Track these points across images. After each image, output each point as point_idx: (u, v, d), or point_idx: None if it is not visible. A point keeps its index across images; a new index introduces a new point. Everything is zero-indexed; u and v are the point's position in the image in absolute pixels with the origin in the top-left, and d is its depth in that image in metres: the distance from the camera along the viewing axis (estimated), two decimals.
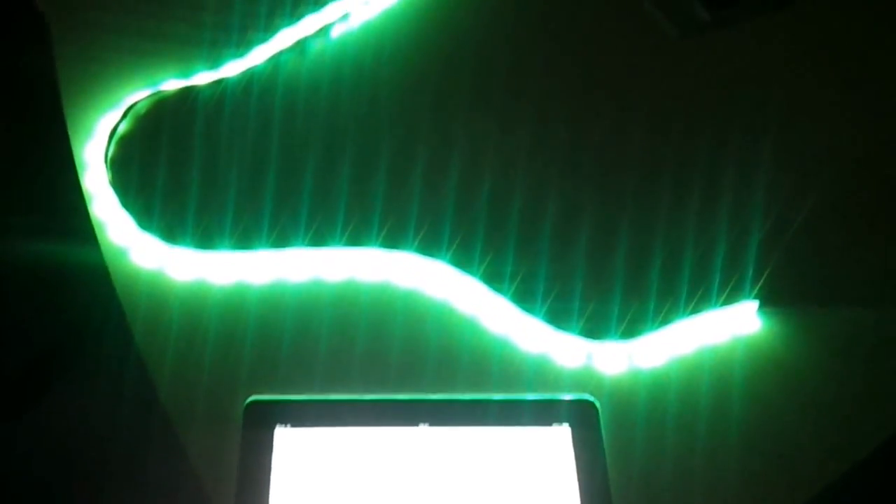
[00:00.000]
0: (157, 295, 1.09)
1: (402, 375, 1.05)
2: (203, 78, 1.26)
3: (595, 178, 1.23)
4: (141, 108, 1.22)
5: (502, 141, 1.25)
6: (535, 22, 1.39)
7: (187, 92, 1.25)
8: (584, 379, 1.06)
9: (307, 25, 1.33)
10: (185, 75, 1.26)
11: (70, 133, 1.20)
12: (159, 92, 1.24)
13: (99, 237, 1.11)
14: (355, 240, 1.14)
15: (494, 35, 1.37)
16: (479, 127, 1.26)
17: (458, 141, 1.24)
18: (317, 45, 1.33)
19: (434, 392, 1.03)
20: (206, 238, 1.12)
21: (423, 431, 0.99)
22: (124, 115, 1.21)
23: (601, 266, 1.14)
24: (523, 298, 1.10)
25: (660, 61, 1.36)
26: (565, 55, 1.35)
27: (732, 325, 1.11)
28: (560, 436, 1.00)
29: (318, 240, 1.13)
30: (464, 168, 1.21)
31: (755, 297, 1.12)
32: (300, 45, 1.32)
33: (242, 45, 1.30)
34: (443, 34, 1.36)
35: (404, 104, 1.28)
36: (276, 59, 1.30)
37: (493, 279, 1.12)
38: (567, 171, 1.23)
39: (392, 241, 1.14)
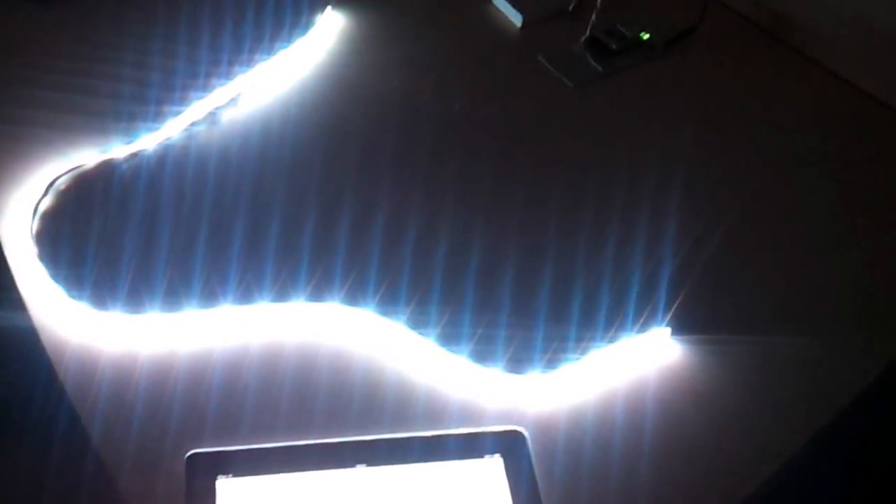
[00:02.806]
0: (87, 360, 1.09)
1: (328, 421, 1.07)
2: (120, 151, 1.29)
3: (516, 220, 1.27)
4: (62, 183, 1.24)
5: (426, 192, 1.29)
6: (460, 80, 1.46)
7: (106, 165, 1.27)
8: (509, 412, 1.09)
9: (218, 96, 1.37)
10: (103, 149, 1.28)
11: None
12: (79, 166, 1.26)
13: (29, 309, 1.12)
14: (282, 295, 1.16)
15: (409, 91, 1.43)
16: (402, 178, 1.31)
17: (382, 193, 1.27)
18: (227, 115, 1.36)
19: (361, 436, 1.04)
20: (135, 303, 1.14)
21: (361, 472, 1.00)
22: (46, 191, 1.23)
23: (524, 303, 1.17)
24: (448, 340, 1.13)
25: (568, 109, 1.43)
26: (480, 110, 1.41)
27: (647, 352, 1.15)
28: (493, 466, 1.02)
29: (247, 296, 1.15)
30: (388, 219, 1.24)
31: (667, 325, 1.16)
32: (211, 116, 1.35)
33: (158, 118, 1.33)
34: (350, 94, 1.41)
35: (323, 164, 1.31)
36: (188, 130, 1.33)
37: (418, 324, 1.14)
38: (489, 215, 1.27)
39: (319, 293, 1.16)
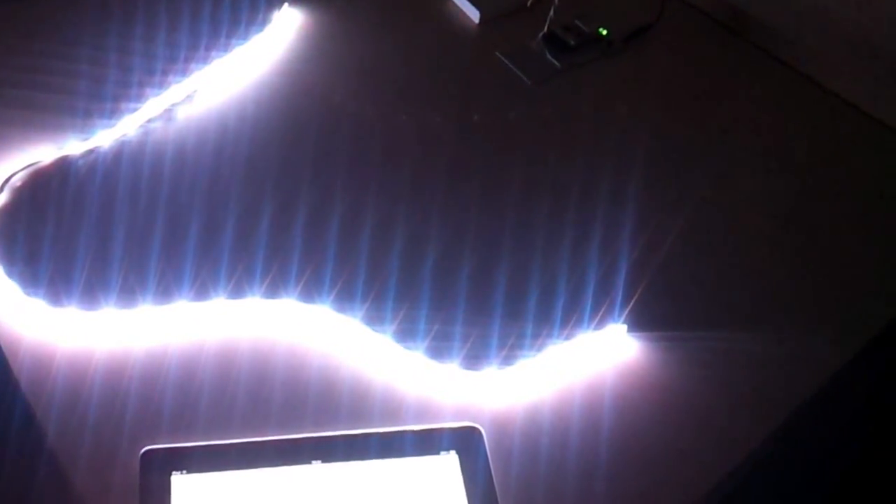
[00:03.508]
0: (43, 357, 1.10)
1: (284, 418, 1.08)
2: (76, 147, 1.30)
3: (473, 217, 1.28)
4: (17, 180, 1.25)
5: (381, 189, 1.30)
6: (416, 79, 1.47)
7: (62, 162, 1.28)
8: (465, 408, 1.10)
9: (174, 93, 1.38)
10: (59, 146, 1.29)
11: None
12: (35, 163, 1.27)
13: None
14: (238, 291, 1.17)
15: (372, 93, 1.44)
16: (359, 175, 1.32)
17: (338, 191, 1.28)
18: (183, 112, 1.37)
19: (317, 432, 1.05)
20: (90, 299, 1.15)
21: (317, 469, 1.01)
22: (1, 188, 1.24)
23: (480, 300, 1.19)
24: (404, 337, 1.14)
25: (525, 105, 1.44)
26: (437, 107, 1.42)
27: (604, 349, 1.16)
28: (448, 463, 1.03)
29: (202, 293, 1.16)
30: (344, 216, 1.25)
31: (623, 322, 1.17)
32: (167, 113, 1.36)
33: (114, 114, 1.34)
34: (307, 92, 1.42)
35: (279, 162, 1.33)
36: (144, 127, 1.34)
37: (374, 321, 1.15)
38: (445, 211, 1.28)
39: (274, 290, 1.17)
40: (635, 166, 1.35)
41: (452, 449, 1.04)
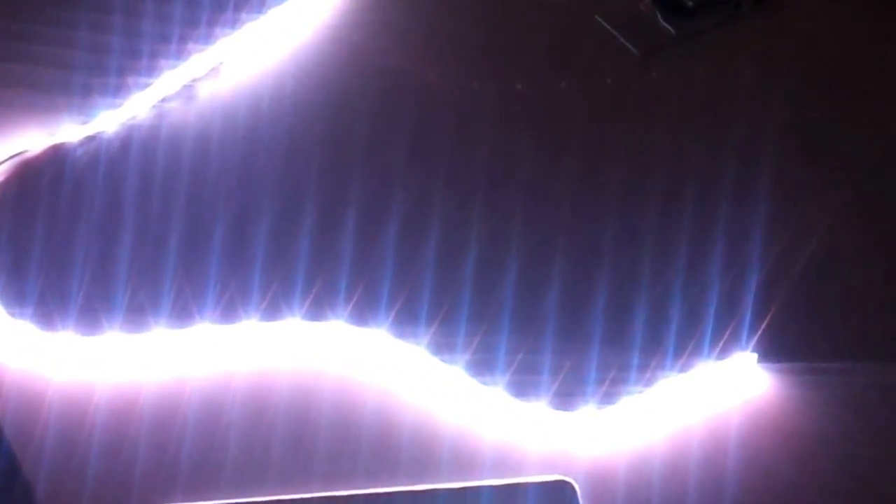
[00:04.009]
0: (31, 394, 1.09)
1: (331, 470, 1.06)
2: (73, 133, 1.28)
3: (565, 221, 1.25)
4: (2, 173, 1.24)
5: (451, 185, 1.27)
6: (491, 46, 1.44)
7: (56, 151, 1.26)
8: (556, 458, 1.08)
9: (195, 65, 1.36)
10: (53, 131, 1.28)
11: None
12: (23, 152, 1.25)
13: None
14: (274, 312, 1.15)
15: (437, 60, 1.41)
16: (422, 168, 1.29)
17: (397, 187, 1.26)
18: (206, 89, 1.35)
19: (371, 488, 1.03)
20: (91, 322, 1.13)
21: None
22: None
23: (575, 323, 1.16)
24: (480, 369, 1.12)
25: (629, 83, 1.41)
26: (523, 84, 1.39)
27: (728, 384, 1.13)
28: None
29: (230, 314, 1.14)
30: (404, 219, 1.23)
31: (753, 350, 1.14)
32: (187, 90, 1.34)
33: (120, 92, 1.32)
34: (357, 64, 1.40)
35: (325, 151, 1.30)
36: (158, 108, 1.32)
37: (442, 349, 1.13)
38: (530, 213, 1.25)
39: (319, 310, 1.15)
40: (767, 157, 1.31)
41: None
